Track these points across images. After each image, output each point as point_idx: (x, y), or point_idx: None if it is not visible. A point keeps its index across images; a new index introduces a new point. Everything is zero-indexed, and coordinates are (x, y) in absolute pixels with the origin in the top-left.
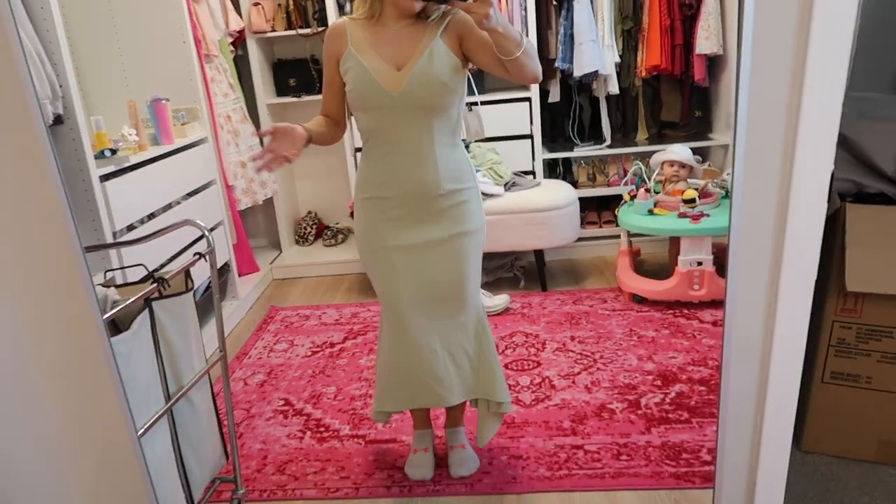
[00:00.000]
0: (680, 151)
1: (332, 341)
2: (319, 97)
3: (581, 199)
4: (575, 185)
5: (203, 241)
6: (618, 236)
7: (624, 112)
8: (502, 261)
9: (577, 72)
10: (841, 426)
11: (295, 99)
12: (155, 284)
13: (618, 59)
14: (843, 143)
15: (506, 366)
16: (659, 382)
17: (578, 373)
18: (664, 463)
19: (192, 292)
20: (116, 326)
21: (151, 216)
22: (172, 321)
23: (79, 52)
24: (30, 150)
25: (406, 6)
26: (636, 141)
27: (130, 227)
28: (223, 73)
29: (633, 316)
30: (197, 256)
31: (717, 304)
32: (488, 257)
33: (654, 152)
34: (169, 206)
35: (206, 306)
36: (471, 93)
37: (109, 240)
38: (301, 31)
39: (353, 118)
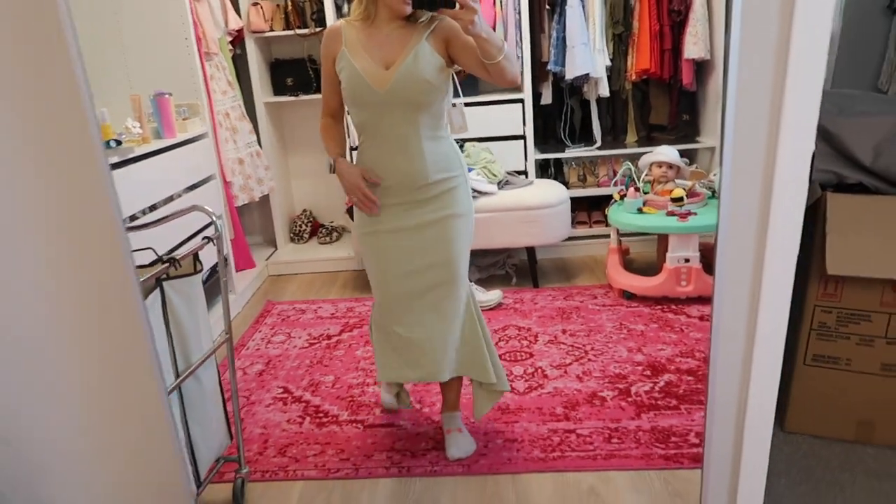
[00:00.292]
0: (668, 152)
1: (329, 333)
2: (316, 96)
3: (572, 200)
4: (566, 185)
5: (211, 227)
6: (607, 236)
7: (614, 115)
8: (495, 258)
9: (569, 74)
10: (822, 407)
11: (292, 98)
12: (167, 264)
13: (608, 63)
14: (825, 136)
15: (499, 356)
16: (648, 372)
17: (570, 363)
18: (654, 445)
19: (200, 274)
20: None
21: (153, 207)
22: (182, 301)
23: (84, 48)
24: (77, 128)
25: (398, 9)
26: (626, 143)
27: (133, 217)
28: (222, 71)
29: (622, 311)
30: (206, 240)
31: (704, 300)
32: (481, 255)
33: (642, 154)
34: (171, 198)
35: (209, 295)
36: (456, 94)
37: None
38: (299, 32)
39: (349, 117)
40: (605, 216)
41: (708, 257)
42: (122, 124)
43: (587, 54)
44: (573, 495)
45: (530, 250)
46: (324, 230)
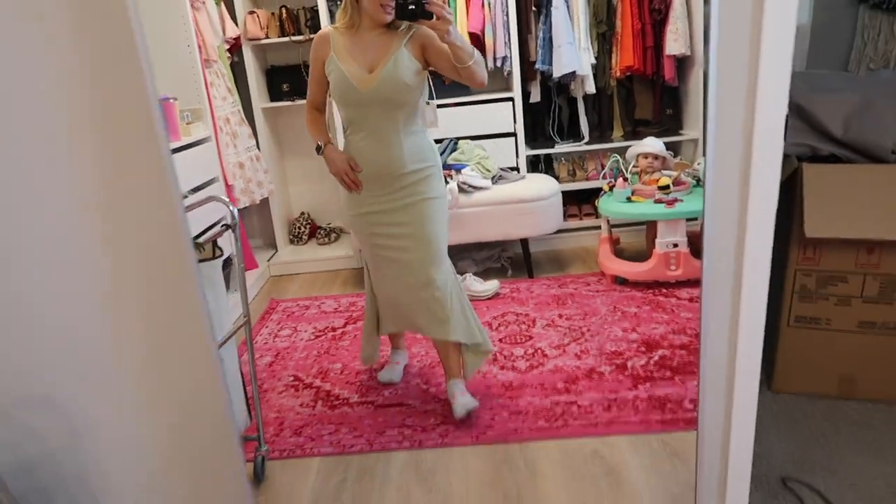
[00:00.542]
0: (653, 144)
1: (334, 326)
2: None
3: (562, 194)
4: (557, 179)
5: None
6: (598, 227)
7: (600, 111)
8: (490, 252)
9: (557, 73)
10: (806, 366)
11: (288, 103)
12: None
13: (593, 61)
14: (799, 113)
15: (500, 340)
16: (643, 349)
17: (568, 343)
18: (651, 412)
19: (220, 259)
20: None
21: None
22: (205, 283)
23: None
24: (142, 117)
25: (379, 19)
26: (612, 138)
27: None
28: (221, 78)
29: (615, 296)
30: (224, 227)
31: (693, 282)
32: (477, 248)
33: (629, 148)
34: None
35: None
36: (430, 96)
37: None
38: (294, 38)
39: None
40: (595, 208)
41: (695, 244)
42: None
43: (573, 53)
44: (578, 459)
45: (524, 242)
46: (322, 231)
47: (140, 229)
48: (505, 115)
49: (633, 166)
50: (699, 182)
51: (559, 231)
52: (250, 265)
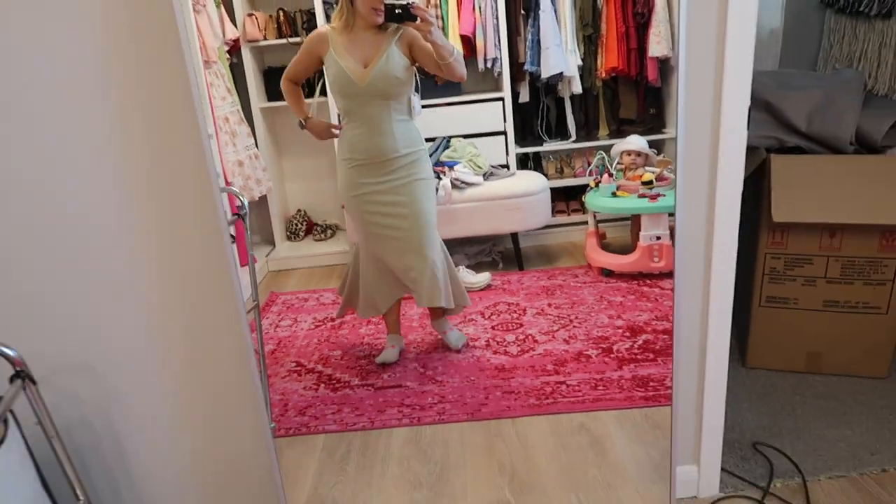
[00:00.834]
0: (636, 141)
1: (333, 317)
2: (308, 100)
3: (551, 190)
4: (545, 177)
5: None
6: (585, 223)
7: (586, 111)
8: (481, 247)
9: (545, 73)
10: (776, 343)
11: (285, 103)
12: None
13: (580, 63)
14: (767, 108)
15: (492, 327)
16: (628, 334)
17: (557, 330)
18: (635, 390)
19: (234, 245)
20: None
21: None
22: None
23: None
24: (185, 103)
25: (371, 21)
26: (598, 136)
27: None
28: (221, 79)
29: (602, 286)
30: (236, 216)
31: None
32: (468, 243)
33: (614, 145)
34: None
35: None
36: (416, 89)
37: None
38: (291, 40)
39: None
40: (582, 204)
41: None
42: None
43: (560, 55)
44: (566, 431)
45: (514, 236)
46: (318, 228)
47: (179, 209)
48: (495, 115)
49: (618, 163)
50: None
51: (548, 226)
52: (248, 261)
